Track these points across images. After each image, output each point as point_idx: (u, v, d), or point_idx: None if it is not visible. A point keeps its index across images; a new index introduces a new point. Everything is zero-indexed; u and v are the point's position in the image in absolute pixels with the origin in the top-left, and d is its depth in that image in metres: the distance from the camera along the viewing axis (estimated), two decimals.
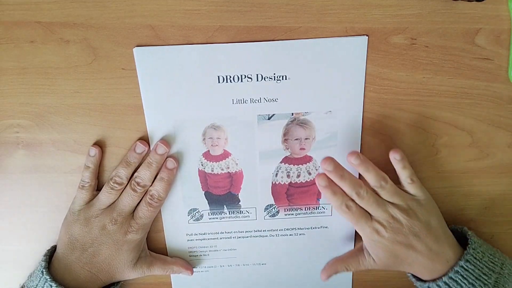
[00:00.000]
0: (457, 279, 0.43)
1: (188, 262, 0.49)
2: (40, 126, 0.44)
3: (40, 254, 0.47)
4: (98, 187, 0.46)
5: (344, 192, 0.43)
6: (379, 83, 0.44)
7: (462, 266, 0.43)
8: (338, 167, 0.43)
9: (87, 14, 0.40)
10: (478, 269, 0.43)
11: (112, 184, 0.43)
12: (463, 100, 0.45)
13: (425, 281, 0.45)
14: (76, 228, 0.43)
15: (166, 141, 0.44)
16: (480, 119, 0.46)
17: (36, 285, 0.42)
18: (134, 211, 0.44)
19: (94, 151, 0.44)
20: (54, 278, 0.41)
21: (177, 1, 0.40)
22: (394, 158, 0.43)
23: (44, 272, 0.42)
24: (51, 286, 0.41)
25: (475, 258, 0.43)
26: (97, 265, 0.43)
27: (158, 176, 0.44)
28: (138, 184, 0.43)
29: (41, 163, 0.46)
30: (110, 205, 0.44)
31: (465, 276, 0.42)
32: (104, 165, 0.46)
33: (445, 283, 0.43)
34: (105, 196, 0.44)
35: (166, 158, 0.44)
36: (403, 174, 0.44)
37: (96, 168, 0.44)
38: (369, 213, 0.44)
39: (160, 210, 0.48)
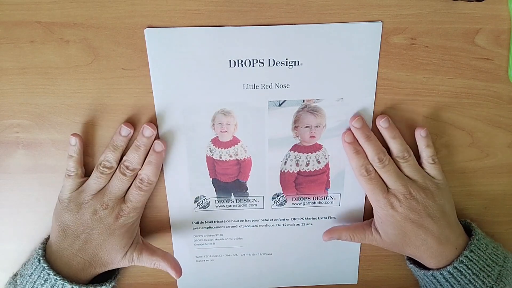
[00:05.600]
0: (462, 269, 0.43)
1: (178, 263, 0.46)
2: (40, 126, 0.44)
3: None
4: (87, 174, 0.45)
5: (366, 157, 0.44)
6: (379, 83, 0.44)
7: (466, 256, 0.43)
8: (366, 127, 0.44)
9: (87, 14, 0.40)
10: (482, 260, 0.43)
11: (101, 168, 0.43)
12: (463, 100, 0.45)
13: (428, 269, 0.45)
14: (67, 215, 0.43)
15: (152, 123, 0.44)
16: (480, 119, 0.46)
17: (32, 273, 0.41)
18: (125, 194, 0.44)
19: (75, 140, 0.43)
20: (51, 267, 0.41)
21: (177, 1, 0.40)
22: (420, 134, 0.43)
23: (41, 260, 0.41)
24: (48, 274, 0.40)
25: (479, 248, 0.43)
26: (89, 251, 0.42)
27: (146, 160, 0.43)
28: (127, 167, 0.43)
29: (41, 163, 0.46)
30: (100, 190, 0.43)
31: (469, 266, 0.42)
32: None
33: (449, 273, 0.43)
34: (95, 181, 0.43)
35: (154, 140, 0.44)
36: (426, 153, 0.44)
37: (79, 157, 0.43)
38: (386, 185, 0.44)
39: (166, 197, 0.48)
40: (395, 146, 0.43)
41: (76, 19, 0.41)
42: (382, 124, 0.43)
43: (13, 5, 0.40)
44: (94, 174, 0.43)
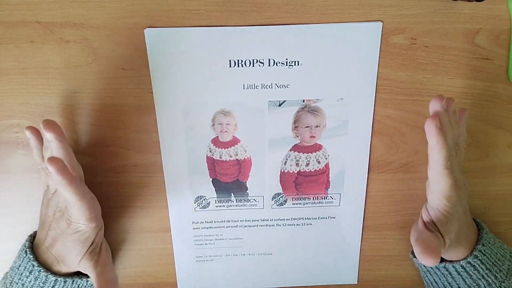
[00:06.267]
0: (475, 264, 0.42)
1: None
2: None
3: None
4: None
5: None
6: (379, 83, 0.44)
7: (480, 251, 0.42)
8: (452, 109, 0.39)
9: (87, 14, 0.40)
10: (494, 254, 0.43)
11: (45, 171, 0.41)
12: (463, 100, 0.45)
13: (440, 262, 0.44)
14: (42, 208, 0.43)
15: (50, 121, 0.38)
16: (480, 119, 0.46)
17: (19, 265, 0.41)
18: None
19: (28, 133, 0.41)
20: (36, 258, 0.41)
21: (177, 1, 0.40)
22: (465, 114, 0.42)
23: (28, 252, 0.41)
24: (33, 266, 0.40)
25: (489, 242, 0.43)
26: (55, 249, 0.41)
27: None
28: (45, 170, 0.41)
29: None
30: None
31: (483, 261, 0.42)
32: (104, 165, 0.46)
33: (462, 267, 0.43)
34: (49, 183, 0.42)
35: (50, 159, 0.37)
36: (464, 136, 0.43)
37: (39, 150, 0.42)
38: None
39: (166, 197, 0.48)
40: (463, 135, 0.41)
41: (76, 19, 0.41)
42: (464, 115, 0.41)
43: (13, 5, 0.40)
44: (45, 174, 0.42)
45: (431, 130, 0.37)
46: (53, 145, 0.39)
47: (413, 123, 0.46)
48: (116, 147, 0.46)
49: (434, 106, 0.38)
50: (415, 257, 0.48)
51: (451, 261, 0.44)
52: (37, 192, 0.47)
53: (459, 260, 0.43)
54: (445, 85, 0.45)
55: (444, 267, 0.44)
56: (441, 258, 0.44)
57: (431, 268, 0.46)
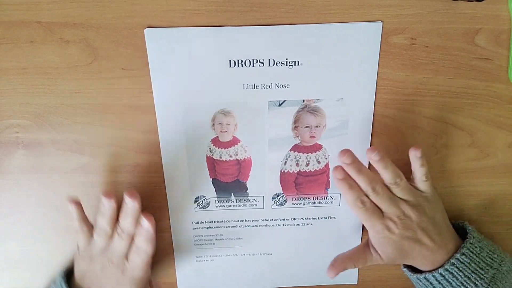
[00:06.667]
0: (453, 271, 0.43)
1: None
2: (40, 126, 0.44)
3: (40, 255, 0.47)
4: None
5: (359, 187, 0.43)
6: (379, 83, 0.44)
7: (457, 259, 0.43)
8: (356, 161, 0.42)
9: (87, 14, 0.40)
10: (475, 263, 0.43)
11: (98, 231, 0.43)
12: (463, 100, 0.45)
13: (421, 272, 0.46)
14: (82, 263, 0.44)
15: (133, 190, 0.42)
16: (480, 119, 0.46)
17: None
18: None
19: (73, 206, 0.43)
20: None
21: (177, 1, 0.40)
22: (415, 155, 0.43)
23: None
24: None
25: (472, 252, 0.44)
26: None
27: (136, 231, 0.43)
28: (122, 231, 0.43)
29: (41, 163, 0.46)
30: (107, 246, 0.44)
31: (460, 268, 0.43)
32: (104, 165, 0.46)
33: (441, 275, 0.44)
34: (98, 240, 0.44)
35: (143, 214, 0.42)
36: (420, 172, 0.43)
37: (80, 217, 0.44)
38: (380, 209, 0.43)
39: (166, 197, 0.48)
40: (387, 175, 0.42)
41: (76, 19, 0.41)
42: (374, 157, 0.42)
43: (13, 5, 0.40)
44: (95, 233, 0.44)
45: (334, 180, 0.44)
46: (135, 212, 0.42)
47: (413, 123, 0.46)
48: (116, 147, 0.46)
49: (340, 159, 0.42)
50: (403, 265, 0.48)
51: (430, 271, 0.44)
52: (37, 192, 0.47)
53: (437, 268, 0.44)
54: (445, 85, 0.45)
55: (425, 277, 0.45)
56: (419, 270, 0.46)
57: (414, 278, 0.47)
